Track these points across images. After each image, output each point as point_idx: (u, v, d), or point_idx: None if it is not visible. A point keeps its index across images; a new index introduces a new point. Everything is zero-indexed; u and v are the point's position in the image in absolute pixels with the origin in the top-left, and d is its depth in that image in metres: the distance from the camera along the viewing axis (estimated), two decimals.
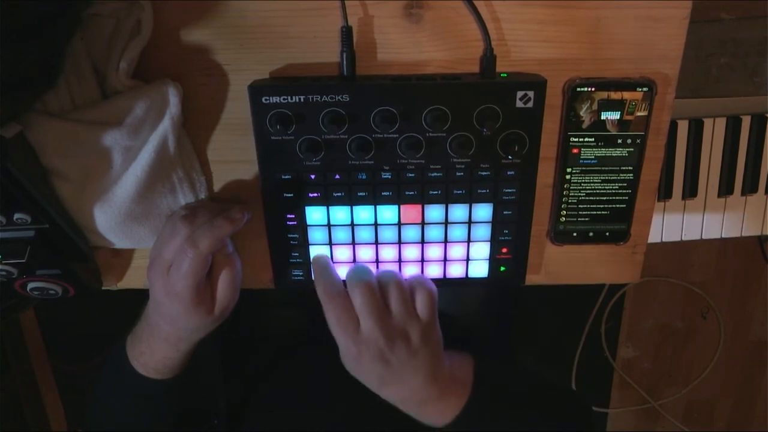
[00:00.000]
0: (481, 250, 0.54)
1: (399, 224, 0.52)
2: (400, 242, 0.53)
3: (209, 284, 0.50)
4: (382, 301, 0.49)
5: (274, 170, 0.50)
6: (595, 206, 0.54)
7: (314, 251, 0.54)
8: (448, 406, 0.50)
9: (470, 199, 0.51)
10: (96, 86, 0.47)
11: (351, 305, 0.49)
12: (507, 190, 0.51)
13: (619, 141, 0.51)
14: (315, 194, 0.51)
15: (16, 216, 0.47)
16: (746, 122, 0.81)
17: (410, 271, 0.55)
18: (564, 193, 0.54)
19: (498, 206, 0.52)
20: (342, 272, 0.53)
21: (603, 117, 0.50)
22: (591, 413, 0.57)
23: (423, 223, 0.52)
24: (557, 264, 0.58)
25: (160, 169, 0.49)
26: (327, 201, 0.51)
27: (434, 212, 0.52)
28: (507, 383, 0.55)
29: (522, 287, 0.57)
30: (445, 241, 0.53)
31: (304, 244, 0.53)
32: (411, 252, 0.54)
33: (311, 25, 0.48)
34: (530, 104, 0.47)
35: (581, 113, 0.50)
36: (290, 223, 0.53)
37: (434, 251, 0.54)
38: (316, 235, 0.53)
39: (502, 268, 0.55)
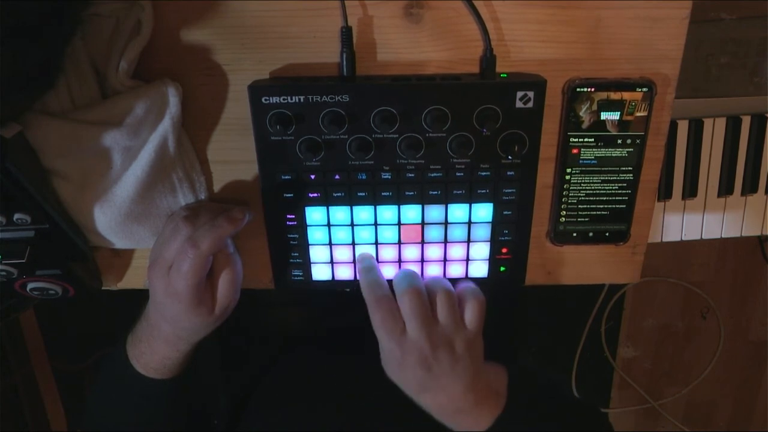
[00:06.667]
0: (481, 250, 0.54)
1: (399, 224, 0.53)
2: (400, 242, 0.53)
3: (210, 284, 0.50)
4: (429, 308, 0.49)
5: (274, 170, 0.50)
6: (594, 206, 0.54)
7: (314, 251, 0.54)
8: (482, 416, 0.50)
9: (470, 199, 0.51)
10: (96, 86, 0.47)
11: (397, 309, 0.49)
12: (507, 191, 0.51)
13: (619, 141, 0.51)
14: (315, 194, 0.51)
15: (16, 216, 0.47)
16: (746, 122, 0.81)
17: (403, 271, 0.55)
18: (564, 193, 0.54)
19: (498, 206, 0.52)
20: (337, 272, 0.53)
21: (603, 117, 0.50)
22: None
23: (423, 224, 0.52)
24: (557, 264, 0.58)
25: (160, 169, 0.49)
26: (327, 201, 0.51)
27: (434, 212, 0.52)
28: (538, 396, 0.55)
29: (522, 287, 0.57)
30: (445, 241, 0.53)
31: (304, 244, 0.54)
32: (411, 252, 0.54)
33: (311, 25, 0.48)
34: (530, 104, 0.47)
35: (581, 113, 0.50)
36: (290, 223, 0.53)
37: (434, 251, 0.54)
38: (316, 235, 0.53)
39: (502, 269, 0.55)
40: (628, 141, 0.51)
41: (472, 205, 0.52)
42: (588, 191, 0.54)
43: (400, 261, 0.54)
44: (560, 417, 0.55)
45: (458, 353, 0.49)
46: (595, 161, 0.52)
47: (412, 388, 0.50)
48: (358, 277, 0.53)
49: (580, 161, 0.52)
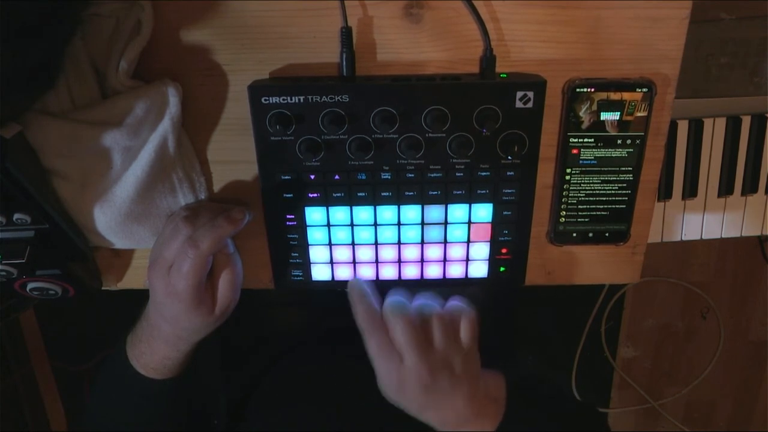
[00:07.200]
0: (481, 251, 0.54)
1: (399, 224, 0.52)
2: (399, 242, 0.53)
3: (210, 285, 0.50)
4: (423, 334, 0.49)
5: (274, 170, 0.50)
6: (594, 207, 0.54)
7: (314, 252, 0.54)
8: (483, 425, 0.51)
9: (470, 199, 0.51)
10: (96, 86, 0.47)
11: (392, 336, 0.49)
12: (507, 191, 0.51)
13: (619, 141, 0.51)
14: (315, 194, 0.51)
15: (16, 216, 0.47)
16: (746, 122, 0.80)
17: (410, 272, 0.55)
18: (564, 193, 0.54)
19: (498, 206, 0.52)
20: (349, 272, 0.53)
21: (603, 117, 0.50)
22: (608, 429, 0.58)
23: (423, 223, 0.52)
24: (557, 264, 0.58)
25: (160, 169, 0.49)
26: (327, 201, 0.51)
27: (434, 212, 0.52)
28: (537, 399, 0.56)
29: (522, 287, 0.57)
30: (445, 242, 0.53)
31: (304, 244, 0.53)
32: (411, 252, 0.54)
33: (311, 25, 0.48)
34: (530, 104, 0.47)
35: (581, 114, 0.50)
36: (290, 223, 0.53)
37: (434, 251, 0.54)
38: (315, 235, 0.53)
39: (502, 269, 0.55)
40: (628, 141, 0.51)
41: (472, 205, 0.52)
42: (588, 191, 0.53)
43: (400, 261, 0.54)
44: (559, 420, 0.55)
45: (457, 373, 0.49)
46: (595, 161, 0.52)
47: (413, 409, 0.51)
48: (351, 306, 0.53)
49: (580, 161, 0.52)
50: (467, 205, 0.52)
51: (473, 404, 0.50)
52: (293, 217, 0.52)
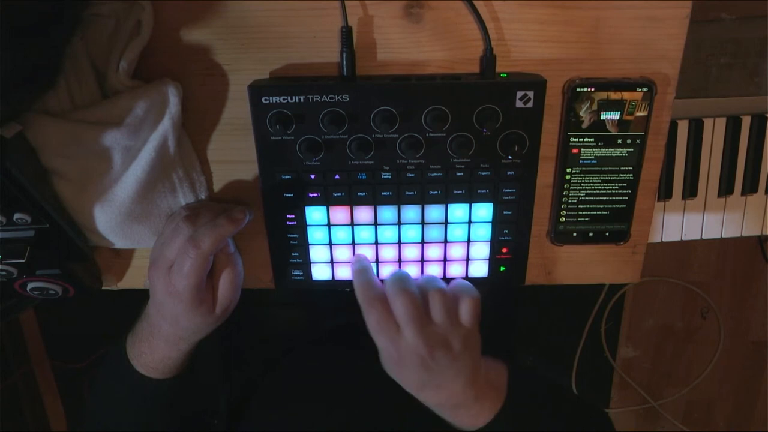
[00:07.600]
0: (481, 250, 0.54)
1: (399, 224, 0.53)
2: (400, 242, 0.53)
3: (210, 284, 0.50)
4: (423, 310, 0.49)
5: (274, 170, 0.50)
6: (595, 206, 0.54)
7: (314, 251, 0.54)
8: (482, 410, 0.50)
9: (470, 199, 0.51)
10: (96, 86, 0.47)
11: (392, 310, 0.49)
12: (507, 190, 0.51)
13: (619, 141, 0.51)
14: (315, 194, 0.51)
15: (16, 216, 0.47)
16: (746, 122, 0.80)
17: (411, 271, 0.55)
18: (564, 193, 0.54)
19: (498, 206, 0.52)
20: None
21: (603, 117, 0.50)
22: (613, 428, 0.58)
23: (423, 223, 0.53)
24: (557, 264, 0.58)
25: (160, 169, 0.49)
26: (327, 201, 0.51)
27: (434, 212, 0.52)
28: (538, 391, 0.56)
29: (522, 287, 0.57)
30: (445, 241, 0.53)
31: (304, 244, 0.54)
32: (411, 252, 0.54)
33: (311, 25, 0.48)
34: (530, 104, 0.47)
35: (581, 113, 0.50)
36: (290, 223, 0.53)
37: (434, 251, 0.54)
38: (316, 235, 0.53)
39: (502, 268, 0.55)
40: (628, 141, 0.51)
41: (472, 204, 0.52)
42: (588, 191, 0.54)
43: (400, 261, 0.54)
44: (561, 411, 0.55)
45: (456, 351, 0.49)
46: (595, 161, 0.52)
47: (411, 386, 0.51)
48: (352, 279, 0.53)
49: (580, 161, 0.52)
50: (467, 204, 0.52)
51: (472, 388, 0.50)
52: (293, 216, 0.52)
